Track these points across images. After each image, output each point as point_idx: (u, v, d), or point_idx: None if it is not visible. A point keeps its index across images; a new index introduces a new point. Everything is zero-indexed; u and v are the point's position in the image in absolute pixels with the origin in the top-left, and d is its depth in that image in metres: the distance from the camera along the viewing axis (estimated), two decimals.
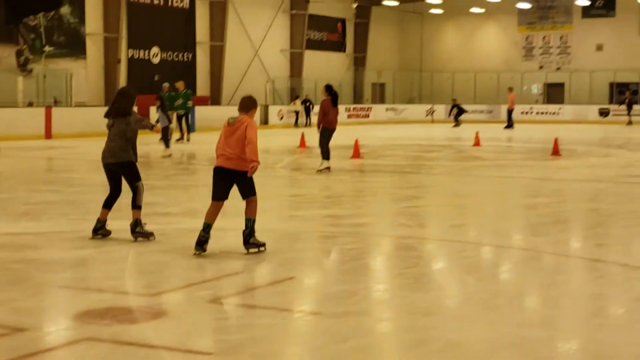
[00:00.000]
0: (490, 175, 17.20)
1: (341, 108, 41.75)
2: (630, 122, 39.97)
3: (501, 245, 9.29)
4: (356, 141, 20.65)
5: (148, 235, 8.90)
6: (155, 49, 35.08)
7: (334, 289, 7.06)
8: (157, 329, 5.77)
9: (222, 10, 37.86)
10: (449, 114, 41.06)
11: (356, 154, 19.95)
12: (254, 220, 8.20)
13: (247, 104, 8.31)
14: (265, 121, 37.41)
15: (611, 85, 45.71)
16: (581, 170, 17.92)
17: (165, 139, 20.63)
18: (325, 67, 44.94)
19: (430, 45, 51.70)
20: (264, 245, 8.28)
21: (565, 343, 5.65)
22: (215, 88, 38.22)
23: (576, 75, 46.87)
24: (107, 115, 9.12)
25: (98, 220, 9.03)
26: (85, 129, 28.48)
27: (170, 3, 35.59)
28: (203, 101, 36.56)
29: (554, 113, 44.88)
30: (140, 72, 33.68)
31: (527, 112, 45.30)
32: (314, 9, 43.46)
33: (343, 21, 47.32)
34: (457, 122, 39.17)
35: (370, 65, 49.15)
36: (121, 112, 8.95)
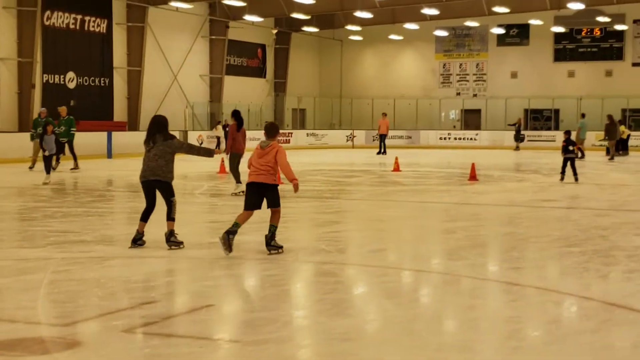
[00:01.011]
0: (410, 200, 17.37)
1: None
2: (517, 148, 41.12)
3: (420, 269, 9.35)
4: None
5: (179, 244, 10.17)
6: (71, 74, 34.44)
7: (253, 316, 6.99)
8: None
9: (140, 35, 37.51)
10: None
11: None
12: (276, 227, 9.76)
13: (274, 130, 9.96)
14: None
15: (526, 111, 46.86)
16: (497, 195, 18.25)
17: (48, 166, 20.23)
18: (245, 92, 44.90)
19: (350, 72, 52.20)
20: (282, 247, 9.80)
21: None
22: (133, 113, 37.74)
23: (492, 101, 47.92)
24: (145, 142, 10.24)
25: (137, 231, 10.22)
26: None
27: (86, 27, 35.06)
28: (120, 127, 36.06)
29: (471, 139, 45.76)
30: (56, 98, 32.87)
31: (445, 138, 46.10)
32: (233, 34, 43.44)
33: (263, 47, 47.42)
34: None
35: (291, 91, 49.32)
36: (168, 138, 10.22)
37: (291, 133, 45.33)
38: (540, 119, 47.10)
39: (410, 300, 7.82)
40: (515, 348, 6.09)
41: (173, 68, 40.44)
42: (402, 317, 6.99)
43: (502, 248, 11.06)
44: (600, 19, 43.32)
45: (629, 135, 37.38)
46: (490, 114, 47.46)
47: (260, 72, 47.53)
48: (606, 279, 8.81)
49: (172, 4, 37.18)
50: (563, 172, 20.61)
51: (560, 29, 45.76)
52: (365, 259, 10.06)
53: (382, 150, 36.89)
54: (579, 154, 22.03)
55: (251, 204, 9.73)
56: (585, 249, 10.55)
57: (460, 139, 45.99)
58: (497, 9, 40.06)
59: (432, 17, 43.35)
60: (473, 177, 21.27)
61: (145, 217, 10.28)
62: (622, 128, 36.47)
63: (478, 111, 48.63)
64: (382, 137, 37.41)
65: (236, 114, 17.41)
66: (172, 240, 10.17)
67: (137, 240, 10.23)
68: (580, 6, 38.96)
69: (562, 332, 6.59)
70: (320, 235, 11.98)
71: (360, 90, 51.35)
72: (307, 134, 46.05)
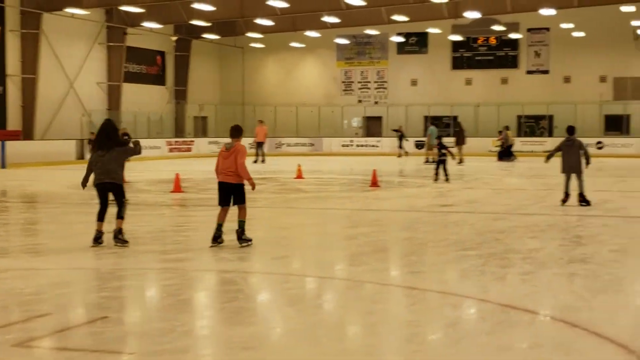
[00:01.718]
0: (312, 207, 17.39)
1: (162, 142, 41.40)
2: (400, 155, 41.15)
3: (322, 276, 9.35)
4: (177, 175, 20.35)
5: (125, 243, 10.74)
6: None
7: (150, 327, 6.83)
8: None
9: (34, 41, 36.46)
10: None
11: (177, 188, 19.64)
12: (244, 222, 10.76)
13: (238, 132, 10.86)
14: (81, 156, 35.90)
15: (426, 118, 47.66)
16: (398, 201, 18.46)
17: None
18: (144, 100, 44.24)
19: (252, 79, 52.09)
20: (251, 240, 10.80)
21: None
22: (28, 122, 36.61)
23: (393, 109, 48.56)
24: (100, 148, 10.82)
25: (97, 230, 10.82)
26: None
27: None
28: (14, 135, 35.00)
29: (373, 145, 46.24)
30: None
31: (347, 145, 46.45)
32: (132, 41, 42.76)
33: (162, 54, 46.85)
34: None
35: (192, 99, 48.85)
36: (120, 145, 11.02)
37: (193, 141, 44.92)
38: (439, 125, 47.92)
39: (312, 307, 7.79)
40: (415, 352, 6.12)
41: (69, 75, 39.52)
42: (304, 324, 6.96)
43: (402, 253, 11.17)
44: (496, 27, 44.48)
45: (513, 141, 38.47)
46: (392, 121, 48.03)
47: (160, 80, 46.93)
48: (502, 281, 8.98)
49: (68, 10, 36.32)
50: (437, 174, 23.11)
51: (457, 38, 46.76)
52: (268, 266, 9.99)
53: (261, 159, 36.03)
54: (459, 159, 28.94)
55: (222, 201, 10.80)
56: (482, 252, 10.74)
57: (362, 145, 46.42)
58: (397, 17, 40.61)
59: (333, 25, 43.60)
60: (374, 183, 21.46)
61: (101, 217, 10.88)
62: (508, 133, 37.52)
63: (379, 118, 49.22)
64: (260, 145, 36.54)
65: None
66: (119, 237, 10.75)
67: (98, 239, 10.81)
68: (476, 15, 39.85)
69: (460, 334, 6.66)
70: (222, 244, 11.83)
71: (263, 98, 51.29)
72: (209, 142, 45.63)
